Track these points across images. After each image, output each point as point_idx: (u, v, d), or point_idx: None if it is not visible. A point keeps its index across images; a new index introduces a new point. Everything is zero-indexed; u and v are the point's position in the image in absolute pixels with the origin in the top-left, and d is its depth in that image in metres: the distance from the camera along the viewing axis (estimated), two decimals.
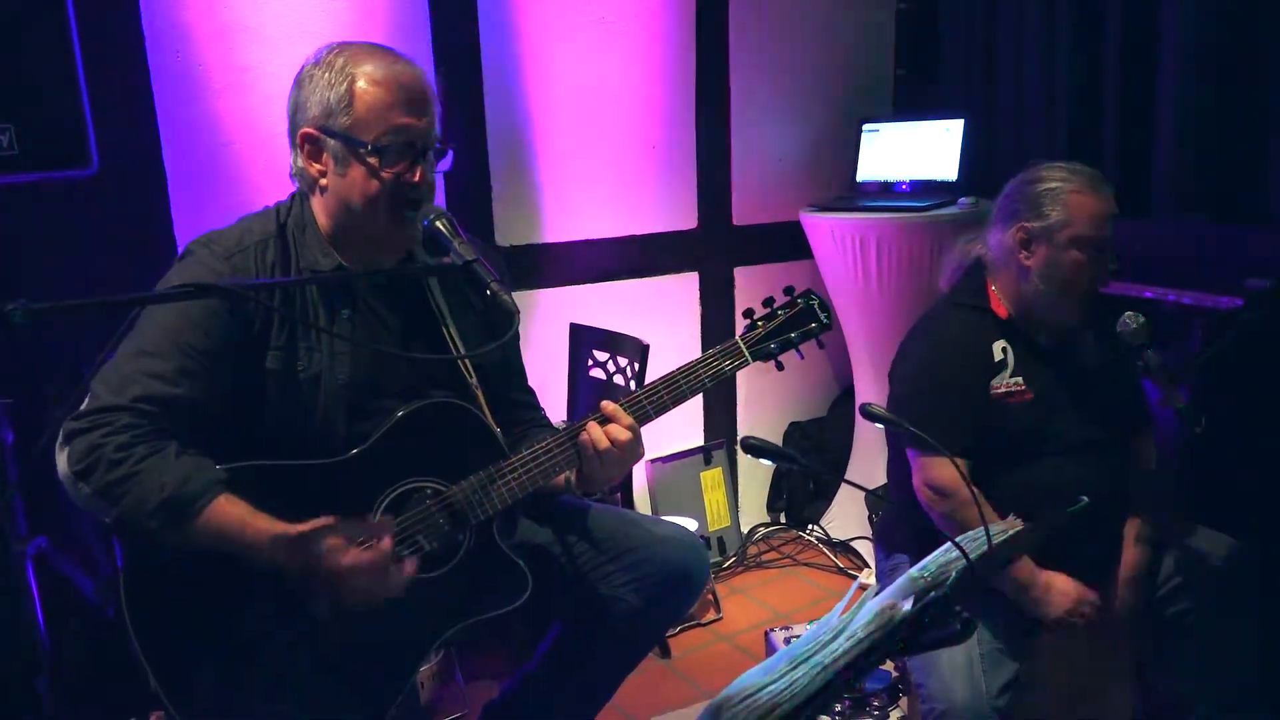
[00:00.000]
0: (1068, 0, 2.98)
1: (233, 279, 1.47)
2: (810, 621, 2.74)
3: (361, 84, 1.48)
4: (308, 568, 1.40)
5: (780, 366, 1.71)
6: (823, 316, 1.70)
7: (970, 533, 1.12)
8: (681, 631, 2.92)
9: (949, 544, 1.08)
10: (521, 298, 2.05)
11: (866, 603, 1.07)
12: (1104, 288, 1.91)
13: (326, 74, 1.50)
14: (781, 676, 1.00)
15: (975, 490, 1.57)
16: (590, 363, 2.88)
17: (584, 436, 1.58)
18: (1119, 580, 1.91)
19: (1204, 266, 2.36)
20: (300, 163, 1.56)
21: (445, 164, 1.58)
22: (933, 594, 1.02)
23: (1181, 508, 2.11)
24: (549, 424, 1.83)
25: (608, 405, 1.60)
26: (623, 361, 2.76)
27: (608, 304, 3.18)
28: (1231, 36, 2.59)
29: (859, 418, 3.43)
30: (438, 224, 1.52)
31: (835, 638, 1.02)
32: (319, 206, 1.58)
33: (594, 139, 3.14)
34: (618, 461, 1.59)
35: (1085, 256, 1.86)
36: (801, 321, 1.69)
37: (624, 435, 1.56)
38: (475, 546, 1.58)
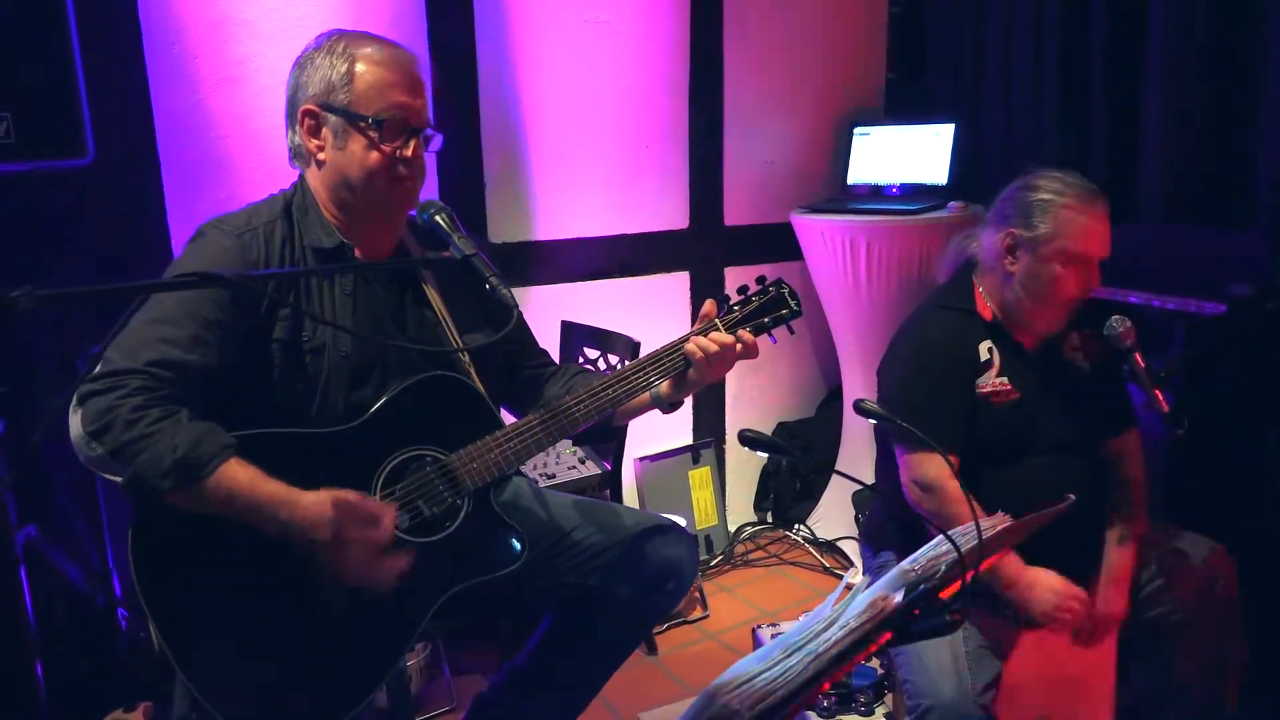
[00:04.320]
0: (1055, 5, 3.01)
1: (235, 270, 1.50)
2: (797, 619, 2.77)
3: (362, 64, 1.59)
4: (314, 533, 1.43)
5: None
6: (793, 304, 1.79)
7: (960, 527, 1.14)
8: (669, 628, 2.94)
9: (939, 537, 1.10)
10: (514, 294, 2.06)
11: (858, 595, 1.10)
12: (1083, 302, 1.89)
13: (328, 56, 1.60)
14: (776, 664, 1.02)
15: (960, 484, 1.58)
16: (581, 360, 2.89)
17: (691, 346, 1.69)
18: (1105, 582, 1.92)
19: (1188, 271, 2.39)
20: (299, 138, 1.64)
21: (435, 145, 1.67)
22: (922, 586, 1.05)
23: (1164, 510, 2.13)
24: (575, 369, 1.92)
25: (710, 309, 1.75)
26: (613, 359, 2.78)
27: (599, 302, 3.20)
28: (1218, 42, 2.61)
29: (847, 418, 3.48)
30: (437, 218, 1.59)
31: (828, 627, 1.04)
32: (316, 180, 1.65)
33: (587, 138, 3.15)
34: (722, 363, 1.70)
35: (1067, 272, 1.86)
36: (773, 307, 1.78)
37: (728, 338, 1.69)
38: (473, 512, 1.64)
